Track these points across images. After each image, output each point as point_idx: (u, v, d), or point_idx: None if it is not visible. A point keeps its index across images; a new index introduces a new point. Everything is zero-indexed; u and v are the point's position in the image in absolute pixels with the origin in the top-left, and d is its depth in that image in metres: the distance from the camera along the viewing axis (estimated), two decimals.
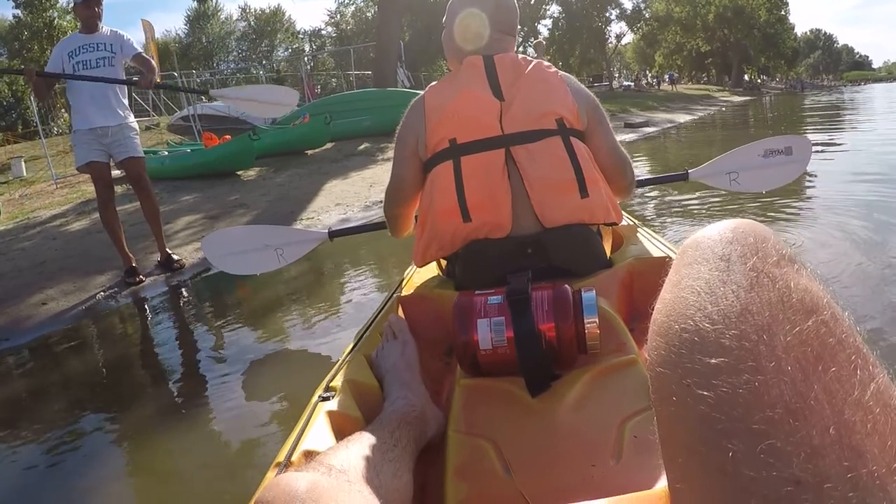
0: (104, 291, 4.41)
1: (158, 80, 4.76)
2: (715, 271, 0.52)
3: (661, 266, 1.54)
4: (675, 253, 1.65)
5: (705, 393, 0.45)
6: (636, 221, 2.21)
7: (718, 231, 0.57)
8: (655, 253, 1.67)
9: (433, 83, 1.73)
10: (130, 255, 4.71)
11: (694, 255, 0.56)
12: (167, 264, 4.86)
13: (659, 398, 0.51)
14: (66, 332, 3.80)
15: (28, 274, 4.82)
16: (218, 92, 5.33)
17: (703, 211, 5.12)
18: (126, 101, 4.63)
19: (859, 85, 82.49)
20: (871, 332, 2.34)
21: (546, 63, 1.67)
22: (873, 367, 0.46)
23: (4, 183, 10.90)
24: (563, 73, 1.68)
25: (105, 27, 4.54)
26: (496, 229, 1.47)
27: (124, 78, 4.63)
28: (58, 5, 28.47)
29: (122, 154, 4.57)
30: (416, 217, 1.79)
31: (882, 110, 18.83)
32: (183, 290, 4.54)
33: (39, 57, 26.35)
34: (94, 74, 4.37)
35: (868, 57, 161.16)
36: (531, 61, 1.65)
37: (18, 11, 28.82)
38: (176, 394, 2.80)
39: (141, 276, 4.60)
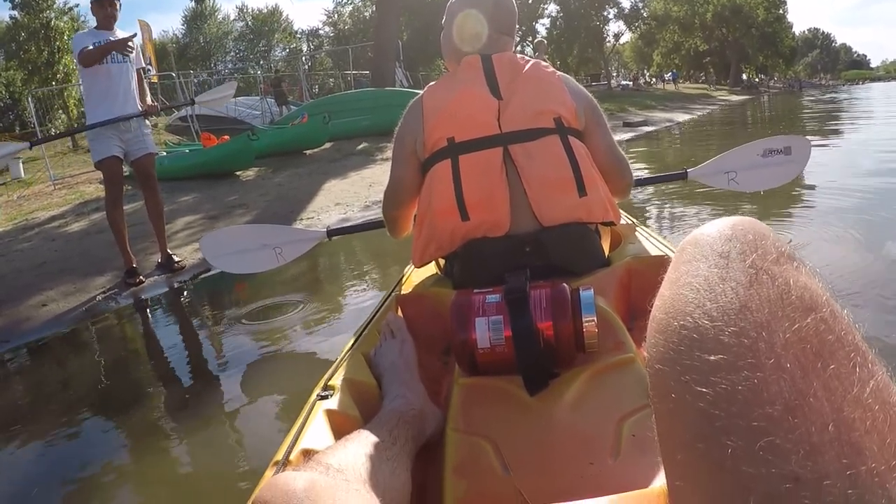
0: (104, 293, 4.41)
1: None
2: (714, 268, 0.52)
3: (659, 265, 1.54)
4: (673, 252, 1.64)
5: (704, 390, 0.45)
6: (634, 220, 2.20)
7: (718, 228, 0.57)
8: (654, 252, 1.67)
9: (431, 83, 1.73)
10: (132, 255, 4.72)
11: (693, 253, 0.56)
12: (167, 265, 4.85)
13: (658, 395, 0.51)
14: (67, 334, 3.80)
15: (27, 275, 4.81)
16: (203, 97, 5.50)
17: (702, 209, 5.13)
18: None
19: (857, 84, 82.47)
20: (869, 329, 2.34)
21: (544, 63, 1.68)
22: (872, 364, 0.46)
23: (2, 184, 10.90)
24: (562, 73, 1.69)
25: (118, 30, 4.60)
26: (494, 228, 1.47)
27: (137, 79, 4.69)
28: (55, 6, 28.37)
29: (140, 150, 4.64)
30: (414, 217, 1.79)
31: (879, 109, 18.85)
32: (182, 290, 4.54)
33: (36, 58, 26.25)
34: (121, 68, 4.48)
35: (866, 56, 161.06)
36: (529, 60, 1.65)
37: (15, 13, 28.71)
38: (175, 394, 2.79)
39: (141, 278, 4.60)
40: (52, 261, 5.18)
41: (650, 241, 1.81)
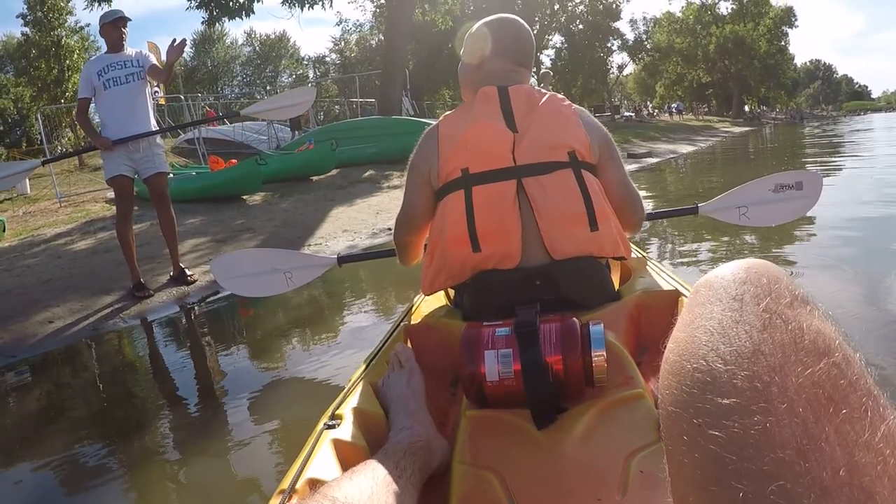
0: (111, 311, 4.41)
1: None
2: (728, 311, 0.53)
3: (669, 300, 1.55)
4: (683, 286, 1.66)
5: (716, 433, 0.46)
6: (645, 254, 2.21)
7: (731, 271, 0.58)
8: (664, 286, 1.67)
9: (447, 112, 1.75)
10: (139, 270, 4.80)
11: (707, 295, 0.56)
12: (180, 278, 4.96)
13: (670, 437, 0.52)
14: (72, 351, 3.80)
15: (34, 291, 4.83)
16: (248, 110, 5.58)
17: (710, 239, 5.13)
18: (153, 119, 4.81)
19: (859, 115, 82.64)
20: (881, 373, 2.33)
21: (560, 96, 1.69)
22: (884, 409, 0.46)
23: (8, 200, 10.94)
24: (577, 106, 1.70)
25: (129, 48, 4.70)
26: (505, 260, 1.48)
27: (151, 92, 4.82)
28: (66, 25, 28.83)
29: (150, 170, 4.73)
30: (425, 245, 1.80)
31: (881, 140, 18.90)
32: (190, 312, 4.55)
33: (46, 75, 26.63)
34: (124, 90, 4.57)
35: (867, 87, 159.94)
36: (545, 93, 1.66)
37: (27, 30, 29.15)
38: (179, 418, 2.78)
39: (150, 290, 4.69)
40: (58, 278, 5.20)
41: (660, 276, 1.81)
